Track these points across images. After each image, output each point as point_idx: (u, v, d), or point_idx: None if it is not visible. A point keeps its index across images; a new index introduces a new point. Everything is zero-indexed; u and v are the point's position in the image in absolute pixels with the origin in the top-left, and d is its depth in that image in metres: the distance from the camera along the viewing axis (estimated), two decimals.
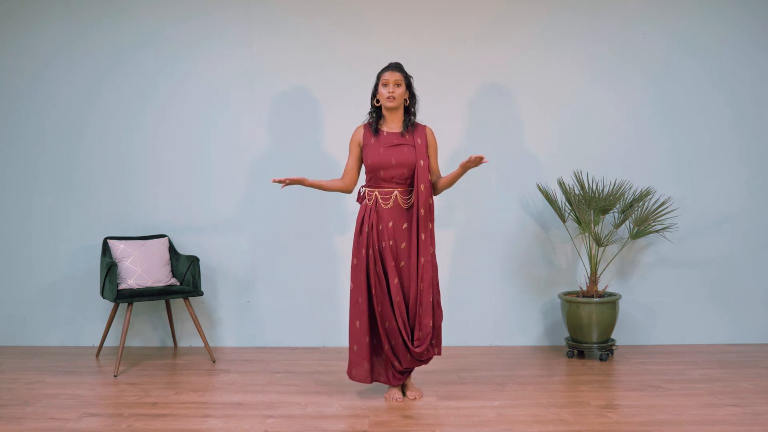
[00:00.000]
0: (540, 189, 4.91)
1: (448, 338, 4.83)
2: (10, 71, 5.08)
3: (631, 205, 4.78)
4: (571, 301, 4.68)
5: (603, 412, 3.65)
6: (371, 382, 3.87)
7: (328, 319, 5.07)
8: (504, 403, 3.82)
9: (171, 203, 5.07)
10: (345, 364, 4.52)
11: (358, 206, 4.01)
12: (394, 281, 3.76)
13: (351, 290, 3.84)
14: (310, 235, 5.06)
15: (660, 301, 5.06)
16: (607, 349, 4.68)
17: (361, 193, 3.90)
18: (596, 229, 4.77)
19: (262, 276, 5.09)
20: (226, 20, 5.03)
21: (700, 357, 4.73)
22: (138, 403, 3.85)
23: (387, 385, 4.01)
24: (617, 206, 4.79)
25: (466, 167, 3.71)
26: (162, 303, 5.07)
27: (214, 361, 4.71)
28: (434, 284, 3.82)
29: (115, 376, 4.38)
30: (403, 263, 3.80)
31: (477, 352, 4.90)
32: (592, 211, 4.72)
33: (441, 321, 3.88)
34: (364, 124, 3.92)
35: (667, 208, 4.87)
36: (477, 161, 3.64)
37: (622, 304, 4.99)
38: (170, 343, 5.14)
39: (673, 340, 5.07)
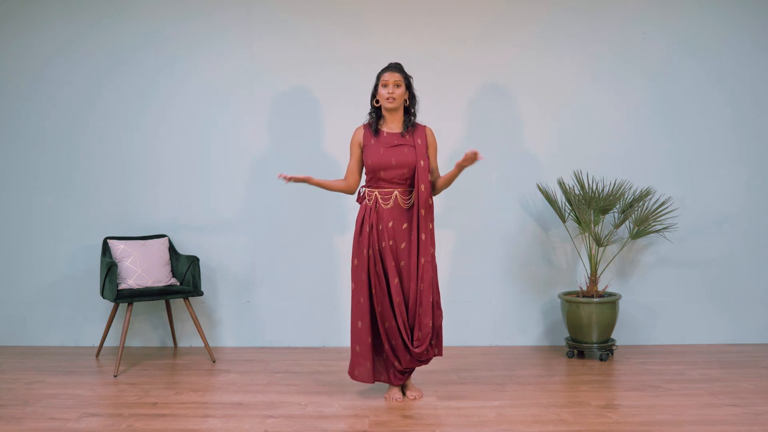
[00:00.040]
0: (540, 189, 4.91)
1: (448, 338, 4.83)
2: (10, 71, 5.08)
3: (631, 205, 4.78)
4: (571, 301, 4.68)
5: (603, 412, 3.65)
6: (373, 382, 3.87)
7: (328, 319, 5.07)
8: (504, 403, 3.82)
9: (171, 203, 5.07)
10: (345, 364, 4.52)
11: (358, 206, 4.01)
12: (394, 281, 3.76)
13: (352, 291, 3.84)
14: (310, 235, 5.06)
15: (660, 301, 5.06)
16: (607, 349, 4.68)
17: (361, 193, 3.90)
18: (596, 229, 4.77)
19: (262, 276, 5.09)
20: (226, 20, 5.03)
21: (700, 357, 4.73)
22: (138, 403, 3.85)
23: (387, 385, 4.01)
24: (617, 206, 4.78)
25: (461, 166, 3.72)
26: (162, 303, 5.07)
27: (214, 361, 4.71)
28: (434, 284, 3.82)
29: (115, 376, 4.38)
30: (402, 263, 3.80)
31: (477, 352, 4.90)
32: (592, 211, 4.72)
33: (441, 321, 3.88)
34: (364, 125, 3.92)
35: (667, 208, 4.87)
36: (472, 157, 3.64)
37: (622, 304, 4.99)
38: (170, 343, 5.14)
39: (673, 340, 5.07)
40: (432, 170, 3.89)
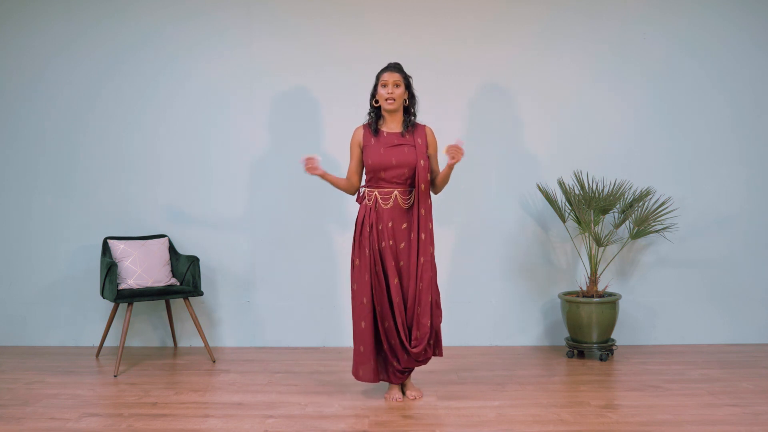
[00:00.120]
0: (540, 189, 4.91)
1: (448, 338, 4.83)
2: (10, 71, 5.08)
3: (631, 205, 4.78)
4: (571, 301, 4.68)
5: (603, 412, 3.65)
6: (377, 382, 3.87)
7: (328, 319, 5.07)
8: (504, 403, 3.82)
9: (171, 203, 5.07)
10: (345, 364, 4.52)
11: (358, 206, 4.01)
12: (394, 281, 3.76)
13: (355, 291, 3.82)
14: (310, 235, 5.06)
15: (660, 301, 5.06)
16: (607, 349, 4.68)
17: (361, 193, 3.90)
18: (596, 229, 4.77)
19: (262, 276, 5.09)
20: (226, 20, 5.03)
21: (700, 357, 4.73)
22: (138, 403, 3.85)
23: (387, 385, 4.01)
24: (617, 206, 4.78)
25: (450, 165, 3.73)
26: (162, 303, 5.07)
27: (214, 361, 4.71)
28: (433, 284, 3.82)
29: (115, 376, 4.38)
30: (402, 263, 3.80)
31: (477, 352, 4.90)
32: (592, 211, 4.72)
33: (440, 322, 3.88)
34: (364, 125, 3.92)
35: (667, 208, 4.87)
36: (455, 150, 3.63)
37: (622, 304, 4.99)
38: (170, 343, 5.14)
39: (673, 340, 5.07)
40: (433, 170, 3.89)
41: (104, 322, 5.05)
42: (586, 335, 4.67)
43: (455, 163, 3.69)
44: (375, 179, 3.82)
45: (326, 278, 5.05)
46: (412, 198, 3.80)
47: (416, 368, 4.26)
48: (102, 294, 4.66)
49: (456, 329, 5.01)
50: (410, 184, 3.81)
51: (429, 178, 3.83)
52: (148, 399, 3.93)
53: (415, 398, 3.89)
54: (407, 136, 3.83)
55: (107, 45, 5.05)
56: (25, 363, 4.67)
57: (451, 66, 5.01)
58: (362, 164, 3.92)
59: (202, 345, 5.02)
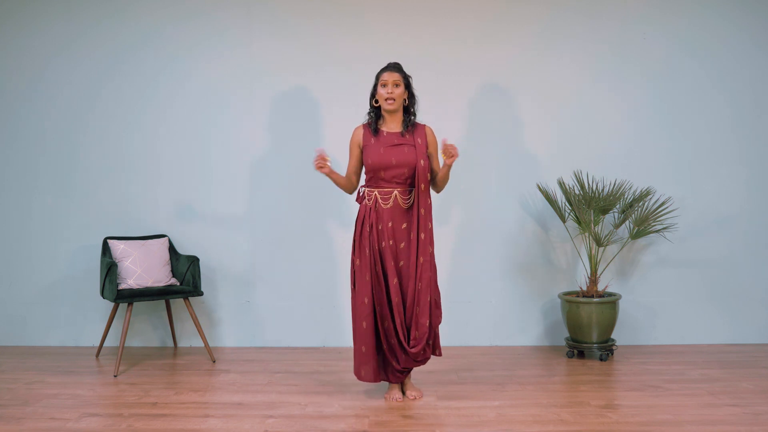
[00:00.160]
0: (540, 189, 4.91)
1: (448, 338, 4.83)
2: (10, 71, 5.08)
3: (631, 205, 4.78)
4: (571, 301, 4.68)
5: (603, 412, 3.65)
6: (379, 381, 3.87)
7: (328, 319, 5.07)
8: (504, 403, 3.82)
9: (171, 203, 5.07)
10: (345, 364, 4.52)
11: (358, 206, 4.01)
12: (393, 281, 3.76)
13: (356, 291, 3.81)
14: (310, 235, 5.06)
15: (660, 301, 5.06)
16: (607, 349, 4.68)
17: (361, 193, 3.90)
18: (596, 229, 4.77)
19: (262, 276, 5.09)
20: (226, 20, 5.03)
21: (700, 357, 4.73)
22: (138, 403, 3.85)
23: (387, 385, 4.01)
24: (617, 206, 4.78)
25: (448, 165, 3.74)
26: (162, 303, 5.07)
27: (214, 361, 4.71)
28: (432, 284, 3.82)
29: (115, 376, 4.38)
30: (402, 263, 3.80)
31: (477, 352, 4.90)
32: (592, 211, 4.72)
33: (439, 322, 3.88)
34: (363, 125, 3.92)
35: (667, 208, 4.87)
36: (451, 149, 3.65)
37: (622, 304, 4.99)
38: (170, 343, 5.14)
39: (673, 340, 5.07)
40: (433, 169, 3.89)
41: (104, 322, 5.05)
42: (586, 335, 4.67)
43: (452, 162, 3.70)
44: (375, 179, 3.82)
45: (326, 278, 5.05)
46: (412, 198, 3.80)
47: (416, 368, 4.26)
48: (102, 294, 4.66)
49: (456, 329, 5.01)
50: (410, 183, 3.81)
51: (429, 178, 3.83)
52: (148, 399, 3.93)
53: (415, 398, 3.89)
54: (407, 136, 3.83)
55: (107, 45, 5.05)
56: (25, 363, 4.67)
57: (451, 66, 5.01)
58: (361, 164, 3.92)
59: (202, 345, 5.02)
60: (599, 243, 4.73)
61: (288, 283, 5.08)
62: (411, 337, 3.78)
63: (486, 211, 5.05)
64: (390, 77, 3.78)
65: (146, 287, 4.64)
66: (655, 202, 4.85)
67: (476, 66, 5.01)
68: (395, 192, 3.79)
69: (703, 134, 5.06)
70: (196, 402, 3.88)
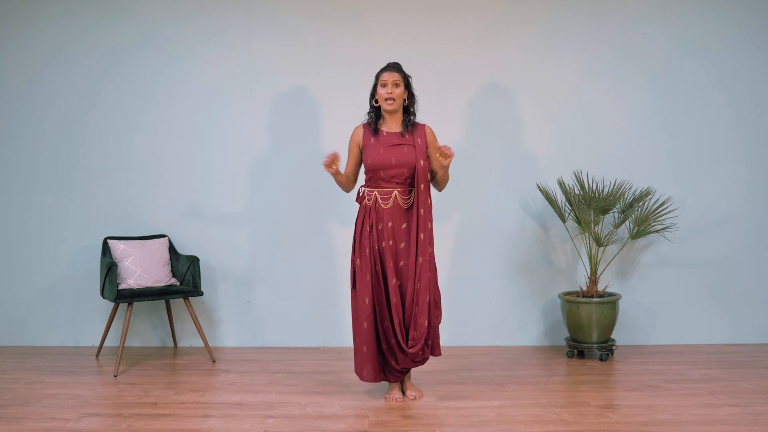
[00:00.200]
0: (540, 189, 4.91)
1: (448, 338, 4.83)
2: (10, 71, 5.08)
3: (631, 205, 4.78)
4: (571, 301, 4.68)
5: (603, 412, 3.65)
6: (380, 381, 3.87)
7: (328, 319, 5.07)
8: (504, 403, 3.82)
9: (171, 203, 5.07)
10: (345, 364, 4.52)
11: (358, 206, 4.01)
12: (392, 281, 3.76)
13: (356, 291, 3.81)
14: (310, 235, 5.06)
15: (660, 301, 5.06)
16: (607, 349, 4.68)
17: (361, 193, 3.89)
18: (596, 229, 4.77)
19: (262, 276, 5.09)
20: (226, 20, 5.03)
21: (700, 357, 4.73)
22: (138, 403, 3.85)
23: (387, 385, 4.01)
24: (617, 206, 4.79)
25: (444, 165, 3.75)
26: (162, 303, 5.07)
27: (214, 361, 4.71)
28: (432, 284, 3.82)
29: (115, 376, 4.38)
30: (402, 263, 3.80)
31: (477, 352, 4.90)
32: (592, 211, 4.72)
33: (438, 322, 3.88)
34: (363, 124, 3.91)
35: (667, 208, 4.87)
36: (445, 150, 3.66)
37: (622, 304, 4.99)
38: (170, 343, 5.14)
39: (673, 340, 5.07)
40: (433, 169, 3.89)
41: (104, 322, 5.05)
42: (586, 335, 4.67)
43: (449, 162, 3.71)
44: (374, 179, 3.82)
45: (326, 278, 5.05)
46: (412, 198, 3.80)
47: (416, 368, 4.26)
48: (102, 294, 4.66)
49: (456, 329, 5.01)
50: (410, 183, 3.81)
51: (429, 178, 3.83)
52: (148, 399, 3.93)
53: (415, 398, 3.89)
54: (407, 136, 3.83)
55: (107, 45, 5.05)
56: (25, 363, 4.67)
57: (451, 66, 5.01)
58: (360, 163, 3.91)
59: (202, 345, 5.02)
60: (599, 243, 4.73)
61: (288, 283, 5.08)
62: (409, 338, 3.78)
63: (486, 211, 5.05)
64: (390, 77, 3.78)
65: (146, 287, 4.64)
66: (655, 202, 4.85)
67: (476, 66, 5.01)
68: (395, 192, 3.79)
69: (703, 134, 5.06)
70: (196, 402, 3.88)
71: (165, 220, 5.06)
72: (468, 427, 3.48)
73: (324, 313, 5.07)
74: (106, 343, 5.05)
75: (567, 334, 4.86)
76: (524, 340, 5.09)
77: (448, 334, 4.85)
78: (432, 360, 4.44)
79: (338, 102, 4.98)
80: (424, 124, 3.92)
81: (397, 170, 3.78)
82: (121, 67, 5.05)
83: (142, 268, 4.70)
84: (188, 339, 5.11)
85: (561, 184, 4.84)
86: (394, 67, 3.83)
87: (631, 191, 4.85)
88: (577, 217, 4.76)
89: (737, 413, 3.62)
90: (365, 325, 3.77)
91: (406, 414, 3.67)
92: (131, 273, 4.67)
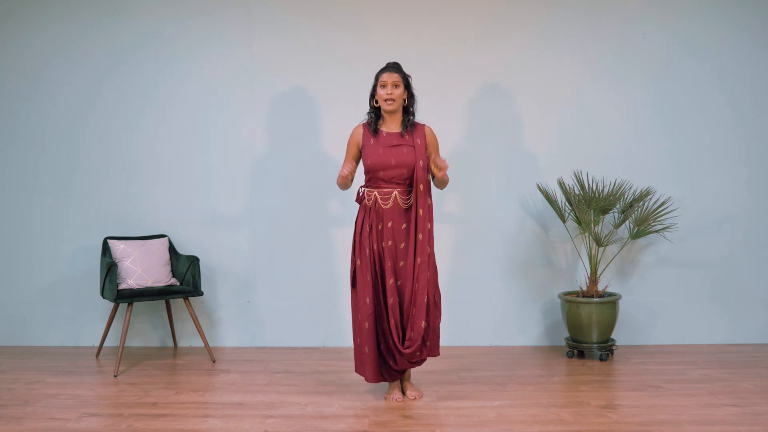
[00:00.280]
0: (540, 189, 4.91)
1: (448, 338, 4.83)
2: (10, 71, 5.08)
3: (631, 205, 4.78)
4: (571, 301, 4.68)
5: (603, 412, 3.65)
6: (380, 381, 3.87)
7: (328, 319, 5.07)
8: (504, 403, 3.82)
9: (171, 203, 5.07)
10: (345, 364, 4.52)
11: (357, 206, 4.01)
12: (390, 282, 3.76)
13: (357, 291, 3.81)
14: (310, 235, 5.06)
15: (660, 301, 5.06)
16: (607, 349, 4.68)
17: (360, 194, 3.89)
18: (596, 229, 4.77)
19: (262, 276, 5.09)
20: (226, 20, 5.03)
21: (700, 357, 4.73)
22: (138, 403, 3.85)
23: (387, 385, 4.01)
24: (617, 206, 4.78)
25: (438, 176, 3.78)
26: (162, 303, 5.07)
27: (214, 361, 4.71)
28: (431, 284, 3.81)
29: (115, 376, 4.38)
30: (402, 263, 3.80)
31: (477, 352, 4.90)
32: (592, 211, 4.72)
33: (438, 322, 3.87)
34: (363, 124, 3.91)
35: (667, 208, 4.87)
36: (440, 163, 3.70)
37: (622, 304, 4.99)
38: (170, 343, 5.14)
39: (673, 340, 5.07)
40: (432, 170, 3.89)
41: (104, 322, 5.05)
42: (586, 335, 4.67)
43: (442, 174, 3.74)
44: (374, 179, 3.82)
45: (326, 278, 5.05)
46: (412, 198, 3.80)
47: (416, 368, 4.26)
48: (102, 294, 4.66)
49: (456, 329, 5.01)
50: (409, 184, 3.81)
51: (428, 178, 3.83)
52: (148, 399, 3.93)
53: (415, 398, 3.89)
54: (406, 137, 3.83)
55: (107, 45, 5.05)
56: (25, 363, 4.67)
57: (451, 66, 5.01)
58: (357, 163, 3.91)
59: (202, 345, 5.02)
60: (599, 243, 4.73)
61: (288, 283, 5.08)
62: (406, 338, 3.77)
63: (486, 211, 5.05)
64: (389, 78, 3.78)
65: (146, 287, 4.64)
66: (655, 202, 4.85)
67: (476, 66, 5.01)
68: (395, 192, 3.79)
69: (703, 134, 5.06)
70: (196, 402, 3.88)
71: (165, 220, 5.06)
72: (468, 427, 3.48)
73: (324, 313, 5.07)
74: (106, 343, 5.05)
75: (567, 334, 4.86)
76: (524, 340, 5.09)
77: (448, 334, 4.85)
78: (432, 360, 4.44)
79: (338, 102, 4.98)
80: (423, 125, 3.92)
81: (396, 171, 3.77)
82: (121, 67, 5.05)
83: (142, 268, 4.70)
84: (188, 339, 5.11)
85: (561, 184, 4.84)
86: (394, 67, 3.83)
87: (631, 191, 4.85)
88: (577, 217, 4.76)
89: (737, 413, 3.62)
90: (366, 325, 3.77)
91: (406, 414, 3.67)
92: (131, 273, 4.67)
